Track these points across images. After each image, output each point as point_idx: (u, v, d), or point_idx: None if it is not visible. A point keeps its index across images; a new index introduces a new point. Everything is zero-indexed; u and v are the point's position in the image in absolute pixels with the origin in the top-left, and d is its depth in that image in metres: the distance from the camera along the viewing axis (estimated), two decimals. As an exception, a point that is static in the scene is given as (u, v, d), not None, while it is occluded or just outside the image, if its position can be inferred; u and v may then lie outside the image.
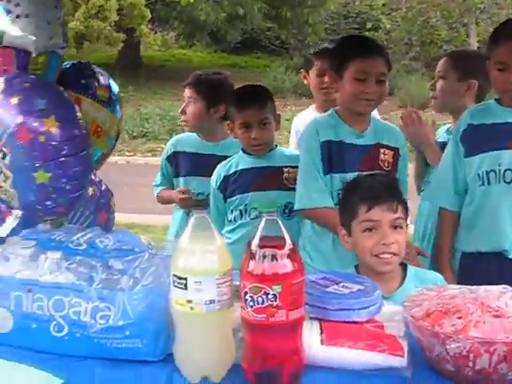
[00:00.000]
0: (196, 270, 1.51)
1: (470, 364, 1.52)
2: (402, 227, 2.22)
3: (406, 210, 2.27)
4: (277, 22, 18.22)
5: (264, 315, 1.47)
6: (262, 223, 1.51)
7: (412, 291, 2.14)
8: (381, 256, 2.19)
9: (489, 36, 2.86)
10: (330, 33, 18.22)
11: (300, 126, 3.66)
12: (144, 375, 1.60)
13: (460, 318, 1.56)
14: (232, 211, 3.11)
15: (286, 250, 1.48)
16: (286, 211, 2.99)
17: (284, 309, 1.47)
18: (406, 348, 1.61)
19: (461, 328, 1.53)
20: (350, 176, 2.70)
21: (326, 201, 2.76)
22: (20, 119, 2.36)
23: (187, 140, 3.58)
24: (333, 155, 2.80)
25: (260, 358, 1.51)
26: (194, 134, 3.56)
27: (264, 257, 1.47)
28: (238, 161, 3.16)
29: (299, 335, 1.53)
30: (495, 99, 2.78)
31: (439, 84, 3.24)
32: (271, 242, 1.49)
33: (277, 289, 1.46)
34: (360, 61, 2.76)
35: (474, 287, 1.72)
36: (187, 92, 3.49)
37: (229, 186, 3.13)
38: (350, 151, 2.81)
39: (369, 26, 17.24)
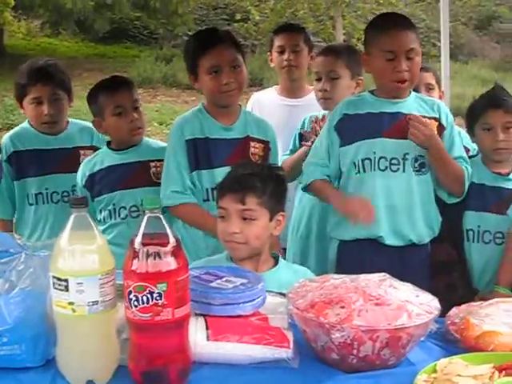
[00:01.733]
0: (77, 270, 1.46)
1: (355, 352, 1.56)
2: (254, 219, 2.25)
3: (270, 201, 2.28)
4: (145, 11, 17.95)
5: (149, 314, 1.44)
6: (145, 220, 1.48)
7: (284, 275, 2.21)
8: (228, 243, 2.28)
9: (368, 26, 2.88)
10: (200, 23, 18.15)
11: (254, 103, 3.66)
12: (25, 383, 1.52)
13: (343, 307, 1.59)
14: (101, 211, 2.97)
15: (169, 247, 1.45)
16: None
17: (170, 307, 1.44)
18: (291, 339, 1.63)
19: (345, 317, 1.56)
20: (219, 171, 2.72)
21: (188, 197, 2.77)
22: None
23: (26, 136, 3.24)
24: (198, 152, 2.79)
25: (146, 357, 1.48)
26: (28, 127, 3.25)
27: (148, 255, 1.44)
28: (103, 158, 3.02)
29: (185, 332, 1.51)
30: (369, 91, 2.85)
31: (334, 84, 3.20)
32: (154, 239, 1.46)
33: (162, 287, 1.43)
34: (208, 55, 2.76)
35: (354, 276, 1.75)
36: (42, 90, 3.15)
37: (95, 185, 2.97)
38: (217, 146, 2.81)
39: (238, 17, 17.29)
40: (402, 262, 2.67)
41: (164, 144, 3.08)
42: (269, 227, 2.29)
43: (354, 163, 2.73)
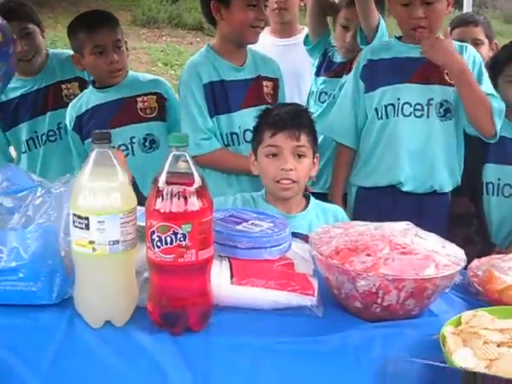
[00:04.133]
0: (98, 208, 1.40)
1: (379, 301, 1.52)
2: (305, 156, 2.25)
3: (313, 140, 2.29)
4: None
5: (172, 256, 1.39)
6: (170, 158, 1.41)
7: (314, 217, 2.18)
8: (280, 182, 2.23)
9: None
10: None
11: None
12: (42, 321, 1.48)
13: (369, 255, 1.54)
14: None
15: (194, 187, 1.40)
16: (147, 144, 2.89)
17: (193, 249, 1.39)
18: (316, 287, 1.59)
19: (371, 265, 1.51)
20: (236, 115, 2.70)
21: (216, 143, 2.72)
22: None
23: (9, 86, 3.05)
24: (216, 96, 2.74)
25: (167, 299, 1.44)
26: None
27: (172, 194, 1.38)
28: (89, 97, 2.94)
29: (208, 275, 1.47)
30: (395, 37, 2.78)
31: (351, 35, 3.17)
32: (179, 178, 1.40)
33: (186, 228, 1.38)
34: None
35: (378, 224, 1.71)
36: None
37: (83, 127, 2.90)
38: (233, 88, 2.76)
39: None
40: (420, 210, 2.64)
41: (153, 76, 3.07)
42: (310, 167, 2.29)
43: (377, 109, 2.67)
